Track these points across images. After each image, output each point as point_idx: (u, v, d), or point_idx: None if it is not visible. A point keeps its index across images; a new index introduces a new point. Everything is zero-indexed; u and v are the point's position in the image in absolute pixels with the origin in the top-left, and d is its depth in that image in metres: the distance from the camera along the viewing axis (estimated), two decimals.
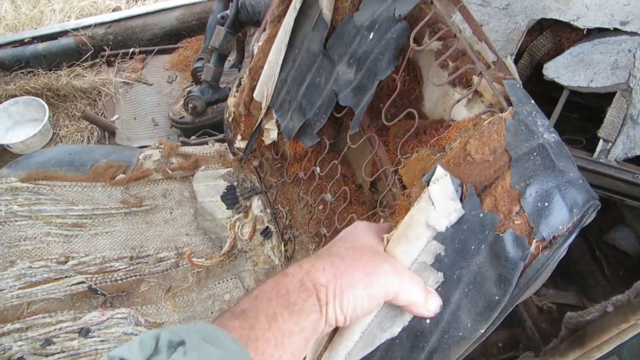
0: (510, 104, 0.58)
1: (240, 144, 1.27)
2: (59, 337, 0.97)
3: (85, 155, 1.27)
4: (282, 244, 1.16)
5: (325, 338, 0.59)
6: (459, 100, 0.65)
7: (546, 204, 0.51)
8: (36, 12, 2.73)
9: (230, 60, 2.02)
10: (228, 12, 1.62)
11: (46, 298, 1.03)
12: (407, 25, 0.74)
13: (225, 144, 1.34)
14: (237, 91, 1.20)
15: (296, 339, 0.47)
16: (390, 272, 0.53)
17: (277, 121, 1.10)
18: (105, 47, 2.20)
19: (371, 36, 0.79)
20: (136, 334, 1.00)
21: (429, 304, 0.54)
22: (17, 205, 1.12)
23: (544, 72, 1.31)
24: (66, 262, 1.08)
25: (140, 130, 1.98)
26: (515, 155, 0.53)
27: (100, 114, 2.03)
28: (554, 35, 1.42)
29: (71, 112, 2.07)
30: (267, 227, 1.20)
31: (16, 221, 1.10)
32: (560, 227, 0.50)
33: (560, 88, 1.28)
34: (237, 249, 1.19)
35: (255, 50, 1.10)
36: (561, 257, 0.53)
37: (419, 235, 0.56)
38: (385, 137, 0.88)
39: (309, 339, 0.49)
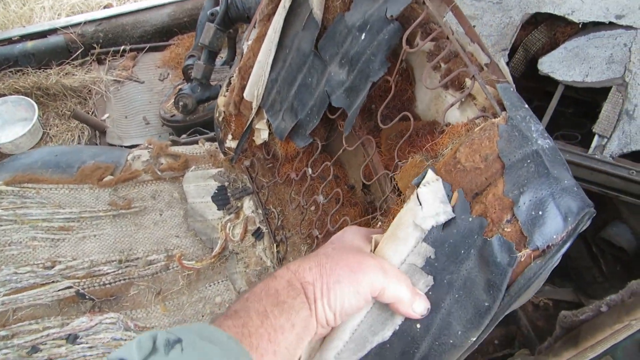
0: (503, 108, 0.56)
1: (231, 143, 1.25)
2: (45, 344, 0.95)
3: (72, 157, 1.25)
4: (274, 245, 1.15)
5: (320, 342, 0.58)
6: (452, 105, 0.63)
7: (540, 213, 0.49)
8: (26, 9, 2.69)
9: (222, 57, 1.99)
10: (218, 8, 1.59)
11: (32, 304, 1.01)
12: (399, 26, 0.72)
13: (216, 144, 1.31)
14: (227, 90, 1.18)
15: (288, 335, 0.49)
16: (376, 269, 0.54)
17: (268, 121, 1.08)
18: (95, 45, 2.17)
19: (363, 37, 0.77)
20: (125, 340, 0.99)
21: (415, 305, 0.53)
22: (2, 209, 1.10)
23: (539, 67, 1.29)
24: (53, 267, 1.06)
25: (131, 129, 1.95)
26: (508, 162, 0.52)
27: (91, 113, 2.00)
28: (549, 29, 1.40)
29: (61, 111, 2.04)
30: (259, 228, 1.18)
31: (0, 226, 1.08)
32: (555, 237, 0.49)
33: (555, 83, 1.26)
34: (228, 250, 1.17)
35: (245, 49, 1.08)
36: (555, 265, 0.52)
37: (407, 236, 0.55)
38: (378, 139, 0.86)
39: (302, 336, 0.50)
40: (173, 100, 1.79)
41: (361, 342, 0.55)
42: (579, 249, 1.59)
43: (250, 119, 1.12)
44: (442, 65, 0.70)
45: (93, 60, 2.16)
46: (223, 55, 1.99)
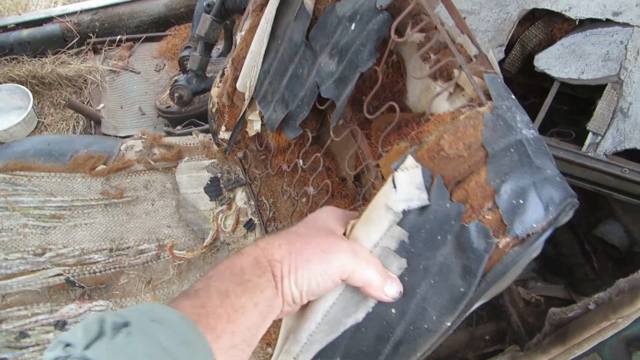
0: (489, 98, 0.56)
1: (224, 135, 1.24)
2: (34, 329, 0.95)
3: (65, 146, 1.24)
4: (266, 236, 1.15)
5: (296, 323, 0.58)
6: (438, 94, 0.63)
7: (521, 202, 0.49)
8: None
9: (218, 49, 1.99)
10: None
11: (22, 290, 1.01)
12: (388, 16, 0.71)
13: (210, 135, 1.31)
14: (220, 81, 1.18)
15: (250, 314, 0.47)
16: (346, 251, 0.53)
17: (260, 112, 1.08)
18: (91, 34, 2.16)
19: (353, 27, 0.76)
20: None
21: (387, 288, 0.53)
22: None
23: (535, 63, 1.28)
24: (43, 254, 1.06)
25: (126, 120, 1.95)
26: (492, 151, 0.52)
27: (86, 103, 1.99)
28: (546, 25, 1.40)
29: (56, 101, 2.03)
30: (251, 220, 1.18)
31: None
32: (535, 225, 0.48)
33: (551, 80, 1.26)
34: (219, 241, 1.17)
35: (238, 40, 1.07)
36: (535, 254, 0.52)
37: (379, 218, 0.55)
38: (368, 130, 0.86)
39: (265, 315, 0.49)
40: (169, 91, 1.79)
41: (334, 323, 0.56)
42: (572, 246, 1.59)
43: (243, 110, 1.11)
44: (432, 56, 0.70)
45: (89, 49, 2.15)
46: (220, 46, 1.99)
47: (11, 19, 2.19)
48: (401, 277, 0.54)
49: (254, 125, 1.13)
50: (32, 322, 0.96)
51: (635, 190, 1.11)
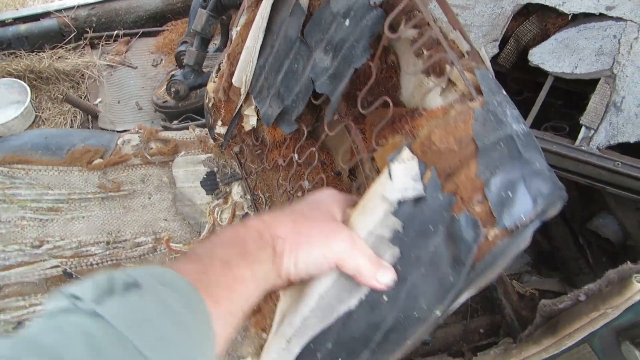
0: (480, 93, 0.57)
1: (220, 129, 1.25)
2: (31, 320, 0.96)
3: (62, 139, 1.25)
4: None
5: (291, 305, 0.60)
6: (430, 90, 0.64)
7: (510, 194, 0.50)
8: None
9: (215, 44, 1.99)
10: None
11: (20, 281, 1.02)
12: (381, 13, 0.72)
13: (206, 129, 1.32)
14: (216, 77, 1.18)
15: (248, 285, 0.49)
16: (346, 239, 0.55)
17: (256, 107, 1.08)
18: (88, 29, 2.16)
19: (347, 23, 0.77)
20: None
21: (379, 275, 0.54)
22: None
23: (529, 58, 1.29)
24: (40, 246, 1.07)
25: (124, 114, 1.95)
26: (482, 145, 0.53)
27: (83, 97, 2.00)
28: (540, 20, 1.41)
29: (54, 95, 2.04)
30: (247, 213, 1.19)
31: None
32: (523, 217, 0.50)
33: (545, 74, 1.27)
34: (215, 234, 1.18)
35: (234, 36, 1.08)
36: (524, 246, 0.53)
37: (375, 207, 0.57)
38: (363, 125, 0.87)
39: (261, 286, 0.51)
40: (165, 86, 1.79)
41: (328, 310, 0.57)
42: (566, 240, 1.61)
43: (239, 105, 1.12)
44: (425, 52, 0.71)
45: (86, 44, 2.16)
46: (216, 41, 1.99)
47: (9, 14, 2.18)
48: (394, 266, 0.55)
49: (250, 120, 1.14)
50: (30, 312, 0.97)
51: (628, 184, 1.12)
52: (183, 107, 1.79)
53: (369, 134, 0.86)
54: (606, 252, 1.51)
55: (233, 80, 1.09)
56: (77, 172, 1.20)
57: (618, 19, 1.23)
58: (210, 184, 1.24)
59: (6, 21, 2.15)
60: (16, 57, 2.10)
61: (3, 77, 2.04)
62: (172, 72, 1.84)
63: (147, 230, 1.17)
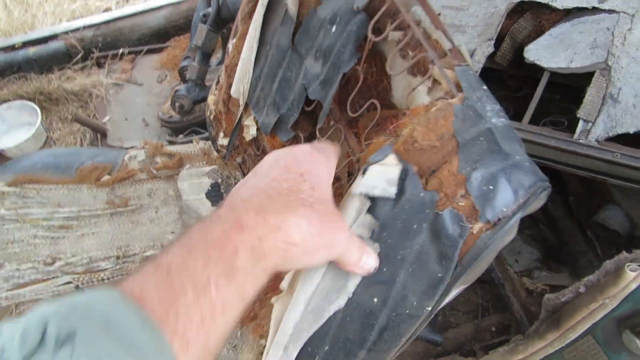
0: (460, 90, 0.58)
1: (223, 141, 1.28)
2: None
3: (71, 158, 1.29)
4: None
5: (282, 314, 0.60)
6: (414, 89, 0.65)
7: (491, 187, 0.51)
8: (28, 16, 2.75)
9: (218, 57, 2.03)
10: (210, 10, 1.62)
11: (34, 299, 1.05)
12: (365, 17, 0.74)
13: (210, 142, 1.35)
14: (216, 89, 1.21)
15: (233, 310, 0.39)
16: (345, 241, 0.50)
17: (255, 117, 1.11)
18: (95, 49, 2.22)
19: (334, 29, 0.79)
20: None
21: (363, 262, 0.52)
22: (4, 209, 1.14)
23: (525, 54, 1.30)
24: (53, 263, 1.10)
25: (131, 131, 2.00)
26: (462, 140, 0.54)
27: (92, 116, 2.05)
28: (535, 17, 1.41)
29: (63, 115, 2.09)
30: None
31: (3, 225, 1.12)
32: (505, 209, 0.51)
33: (542, 70, 1.28)
34: None
35: (230, 48, 1.11)
36: (509, 238, 0.54)
37: (346, 205, 0.58)
38: (357, 129, 0.89)
39: (246, 300, 0.41)
40: (170, 101, 1.83)
41: (318, 311, 0.58)
42: (574, 234, 1.60)
43: (239, 116, 1.15)
44: (410, 53, 0.72)
45: (93, 64, 2.21)
46: (219, 55, 2.03)
47: (18, 38, 2.25)
48: (380, 268, 0.56)
49: (250, 130, 1.16)
50: None
51: (628, 175, 1.12)
52: (188, 121, 1.82)
53: (362, 137, 0.87)
54: (615, 244, 1.50)
55: (231, 92, 1.12)
56: (86, 189, 1.23)
57: (611, 11, 1.23)
58: (215, 195, 1.27)
59: (16, 45, 2.22)
60: (26, 80, 2.16)
61: (15, 100, 2.10)
62: (176, 88, 1.88)
63: (155, 243, 1.19)
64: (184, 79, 1.87)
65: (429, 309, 0.56)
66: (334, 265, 0.55)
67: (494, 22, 1.37)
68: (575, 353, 0.84)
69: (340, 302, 0.58)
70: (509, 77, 1.59)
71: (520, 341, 1.18)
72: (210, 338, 0.37)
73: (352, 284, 0.57)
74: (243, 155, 1.27)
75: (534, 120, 1.26)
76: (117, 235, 1.19)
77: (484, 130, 0.54)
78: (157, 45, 2.28)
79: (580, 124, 1.16)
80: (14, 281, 1.06)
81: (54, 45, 2.19)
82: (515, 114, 1.40)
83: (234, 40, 1.09)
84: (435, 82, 0.68)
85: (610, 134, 1.14)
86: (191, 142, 1.45)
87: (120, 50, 2.23)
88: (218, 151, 1.31)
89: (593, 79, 1.17)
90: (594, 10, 1.25)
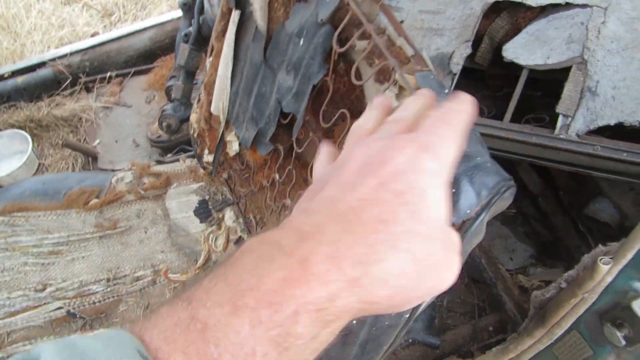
0: None
1: (208, 158, 1.29)
2: None
3: (58, 184, 1.30)
4: None
5: None
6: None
7: (454, 191, 0.52)
8: (17, 45, 2.78)
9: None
10: (191, 29, 1.64)
11: (26, 326, 1.06)
12: (330, 29, 0.75)
13: (196, 159, 1.36)
14: (197, 107, 1.22)
15: None
16: (453, 277, 0.36)
17: (236, 133, 1.12)
18: (82, 74, 2.24)
19: (301, 42, 0.80)
20: None
21: None
22: None
23: (503, 53, 1.31)
24: (44, 290, 1.10)
25: (122, 153, 2.01)
26: None
27: (82, 140, 2.06)
28: (511, 16, 1.42)
29: (54, 141, 2.11)
30: (240, 237, 1.22)
31: None
32: (469, 212, 0.51)
33: (522, 68, 1.28)
34: (212, 261, 1.20)
35: (208, 66, 1.12)
36: (477, 240, 0.54)
37: None
38: (332, 139, 0.89)
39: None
40: (158, 121, 1.84)
41: None
42: (566, 228, 1.60)
43: (220, 133, 1.16)
44: (376, 61, 0.73)
45: (82, 89, 2.23)
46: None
47: (7, 68, 2.27)
48: None
49: (233, 146, 1.17)
50: None
51: (610, 167, 1.12)
52: (176, 140, 1.84)
53: (338, 147, 0.88)
54: (608, 237, 1.50)
55: (212, 109, 1.13)
56: (74, 214, 1.24)
57: (584, 5, 1.24)
58: (203, 212, 1.27)
59: (5, 75, 2.24)
60: (16, 108, 2.17)
61: (5, 129, 2.11)
62: (163, 107, 1.89)
63: (145, 264, 1.20)
64: (170, 99, 1.89)
65: (407, 316, 0.57)
66: None
67: (470, 24, 1.38)
68: (563, 349, 0.83)
69: None
70: (490, 76, 1.60)
71: (511, 340, 1.18)
72: None
73: None
74: (229, 171, 1.28)
75: (516, 118, 1.27)
76: (107, 258, 1.19)
77: None
78: (144, 66, 2.30)
79: (560, 119, 1.16)
80: (5, 310, 1.06)
81: (42, 72, 2.21)
82: (497, 113, 1.41)
83: (211, 59, 1.11)
84: (402, 88, 0.69)
85: (591, 127, 1.15)
86: (178, 160, 1.46)
87: (108, 74, 2.24)
88: (204, 168, 1.32)
89: (570, 73, 1.18)
90: (568, 5, 1.26)
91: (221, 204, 1.27)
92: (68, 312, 1.09)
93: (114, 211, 1.26)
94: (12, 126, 2.13)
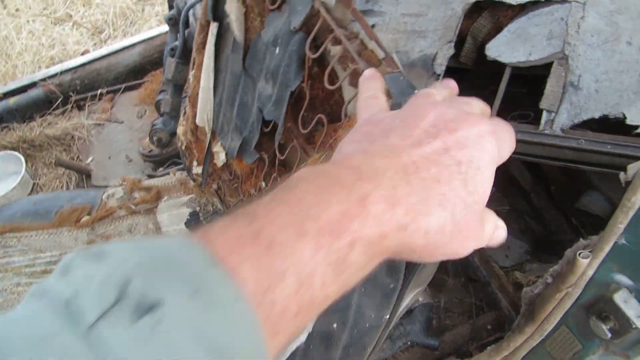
0: (389, 96, 0.59)
1: (197, 169, 1.29)
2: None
3: (50, 203, 1.30)
4: None
5: None
6: (349, 101, 0.67)
7: None
8: (9, 66, 2.79)
9: None
10: (177, 43, 1.65)
11: None
12: (303, 36, 0.76)
13: (186, 172, 1.36)
14: (183, 120, 1.23)
15: (329, 303, 0.32)
16: (477, 242, 0.40)
17: (222, 143, 1.12)
18: (73, 93, 2.25)
19: (277, 51, 0.81)
20: None
21: (494, 239, 0.42)
22: None
23: (486, 52, 1.31)
24: None
25: (115, 169, 2.02)
26: None
27: (76, 158, 2.07)
28: (493, 14, 1.43)
29: (48, 161, 2.12)
30: None
31: None
32: None
33: (505, 66, 1.29)
34: None
35: (191, 79, 1.13)
36: None
37: None
38: (314, 144, 0.90)
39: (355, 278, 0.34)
40: (148, 135, 1.85)
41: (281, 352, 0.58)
42: (559, 223, 1.60)
43: (207, 144, 1.16)
44: (350, 65, 0.74)
45: (73, 107, 2.24)
46: None
47: None
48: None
49: (220, 156, 1.18)
50: None
51: (596, 160, 1.12)
52: (168, 154, 1.84)
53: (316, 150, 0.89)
54: (600, 229, 1.50)
55: (197, 121, 1.14)
56: (66, 232, 1.25)
57: (563, 1, 1.25)
58: (195, 223, 1.28)
59: None
60: (9, 130, 2.18)
61: None
62: (154, 122, 1.90)
63: None
64: (160, 113, 1.89)
65: (387, 317, 0.57)
66: None
67: (452, 25, 1.39)
68: (554, 345, 0.83)
69: (301, 339, 0.58)
70: (476, 76, 1.61)
71: (506, 338, 1.18)
72: (299, 329, 0.31)
73: (310, 322, 0.58)
74: (218, 182, 1.29)
75: (503, 116, 1.27)
76: None
77: None
78: (134, 82, 2.31)
79: (544, 114, 1.17)
80: None
81: (33, 93, 2.22)
82: None
83: (193, 71, 1.12)
84: None
85: (576, 121, 1.15)
86: (169, 174, 1.47)
87: (99, 91, 2.26)
88: (194, 180, 1.33)
89: (552, 69, 1.19)
90: (547, 2, 1.27)
91: (212, 215, 1.27)
92: None
93: (106, 227, 1.27)
94: (5, 147, 2.14)
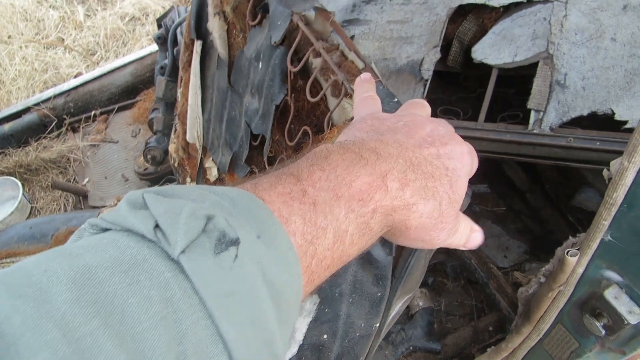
0: None
1: (190, 185, 1.30)
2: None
3: (45, 226, 1.30)
4: None
5: None
6: (332, 111, 0.67)
7: None
8: (3, 93, 2.81)
9: None
10: (166, 61, 1.66)
11: None
12: (284, 50, 0.76)
13: None
14: (174, 137, 1.24)
15: (348, 261, 0.38)
16: (448, 236, 0.45)
17: (213, 159, 1.13)
18: (66, 116, 2.26)
19: (260, 66, 0.82)
20: None
21: (469, 242, 0.47)
22: None
23: (473, 55, 1.33)
24: None
25: (111, 189, 2.02)
26: None
27: (72, 180, 2.07)
28: (477, 17, 1.45)
29: (45, 184, 2.12)
30: None
31: None
32: None
33: (492, 68, 1.30)
34: None
35: (179, 97, 1.14)
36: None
37: None
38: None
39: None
40: (143, 154, 1.86)
41: None
42: (556, 221, 1.60)
43: (199, 160, 1.17)
44: (331, 76, 0.74)
45: (67, 129, 2.25)
46: None
47: None
48: (321, 310, 0.57)
49: (212, 172, 1.18)
50: None
51: (585, 156, 1.13)
52: (162, 171, 1.85)
53: None
54: None
55: (187, 138, 1.14)
56: None
57: (545, 1, 1.26)
58: None
59: None
60: (5, 155, 2.20)
61: None
62: (148, 140, 1.91)
63: None
64: (153, 131, 1.90)
65: (377, 325, 0.57)
66: None
67: (437, 29, 1.40)
68: (552, 344, 0.83)
69: (293, 350, 0.58)
70: (464, 78, 1.62)
71: (503, 340, 1.17)
72: (323, 280, 0.36)
73: (300, 334, 0.58)
74: None
75: (490, 117, 1.28)
76: None
77: None
78: (127, 101, 2.32)
79: (533, 114, 1.17)
80: None
81: (27, 118, 2.23)
82: (474, 114, 1.42)
83: (181, 89, 1.12)
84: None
85: (564, 120, 1.15)
86: None
87: (93, 112, 2.27)
88: None
89: (538, 69, 1.19)
90: (530, 2, 1.28)
91: None
92: None
93: None
94: (2, 173, 2.15)
